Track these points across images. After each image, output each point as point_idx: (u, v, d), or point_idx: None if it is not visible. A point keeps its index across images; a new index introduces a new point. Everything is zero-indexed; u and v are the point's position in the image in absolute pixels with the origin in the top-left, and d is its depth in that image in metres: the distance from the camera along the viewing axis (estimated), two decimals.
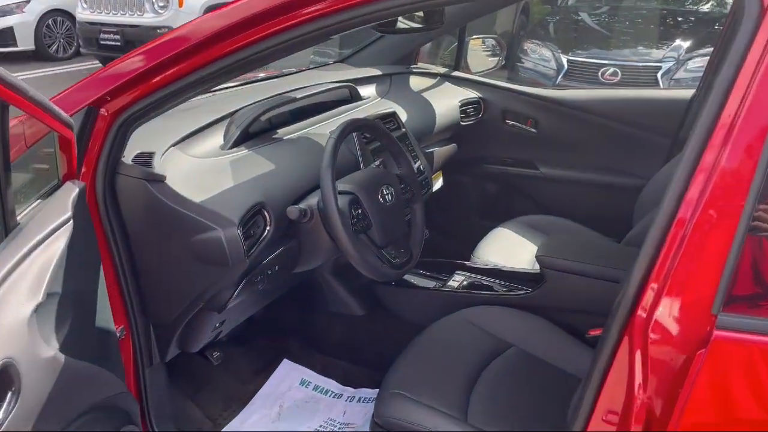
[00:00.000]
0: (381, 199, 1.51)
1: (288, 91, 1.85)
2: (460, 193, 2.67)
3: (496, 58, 2.66)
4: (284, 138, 1.70)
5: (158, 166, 1.31)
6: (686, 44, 5.13)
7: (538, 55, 5.55)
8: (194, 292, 1.35)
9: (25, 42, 7.71)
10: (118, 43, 6.78)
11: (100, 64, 6.96)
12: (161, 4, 6.79)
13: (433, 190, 2.34)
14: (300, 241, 1.53)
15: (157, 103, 1.17)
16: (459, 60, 2.55)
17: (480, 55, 2.67)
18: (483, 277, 1.92)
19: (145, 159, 1.31)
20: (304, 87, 1.92)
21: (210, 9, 6.61)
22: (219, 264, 1.29)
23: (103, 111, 1.17)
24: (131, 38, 6.69)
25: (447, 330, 1.55)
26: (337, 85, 2.04)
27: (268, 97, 1.79)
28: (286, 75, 2.23)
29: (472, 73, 2.56)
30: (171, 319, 1.39)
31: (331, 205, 1.37)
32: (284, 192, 1.49)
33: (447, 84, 2.51)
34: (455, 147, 2.46)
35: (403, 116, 2.11)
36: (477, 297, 1.80)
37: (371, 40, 2.47)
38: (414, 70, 2.49)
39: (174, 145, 1.44)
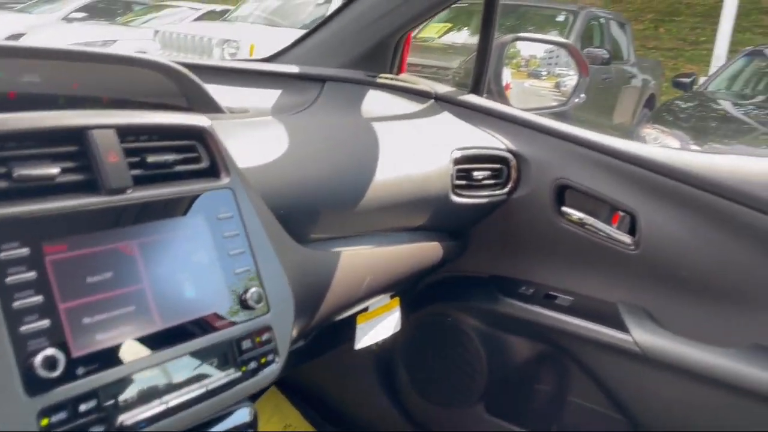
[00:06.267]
0: None
1: None
2: (441, 357, 1.29)
3: (566, 92, 1.35)
4: None
5: None
6: None
7: (661, 143, 4.46)
8: None
9: None
10: None
11: None
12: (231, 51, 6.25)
13: (375, 342, 1.04)
14: None
15: None
16: (480, 75, 1.23)
17: (531, 86, 1.37)
18: None
19: None
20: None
21: None
22: None
23: None
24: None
25: None
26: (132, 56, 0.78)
27: None
28: None
29: (506, 103, 1.23)
30: None
31: None
32: None
33: (446, 115, 1.21)
34: (438, 248, 1.12)
35: (273, 149, 0.83)
36: None
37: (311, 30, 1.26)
38: (379, 80, 1.21)
39: None
